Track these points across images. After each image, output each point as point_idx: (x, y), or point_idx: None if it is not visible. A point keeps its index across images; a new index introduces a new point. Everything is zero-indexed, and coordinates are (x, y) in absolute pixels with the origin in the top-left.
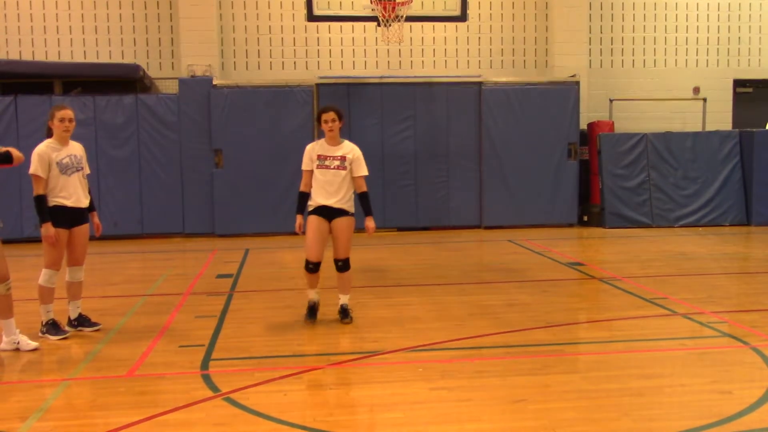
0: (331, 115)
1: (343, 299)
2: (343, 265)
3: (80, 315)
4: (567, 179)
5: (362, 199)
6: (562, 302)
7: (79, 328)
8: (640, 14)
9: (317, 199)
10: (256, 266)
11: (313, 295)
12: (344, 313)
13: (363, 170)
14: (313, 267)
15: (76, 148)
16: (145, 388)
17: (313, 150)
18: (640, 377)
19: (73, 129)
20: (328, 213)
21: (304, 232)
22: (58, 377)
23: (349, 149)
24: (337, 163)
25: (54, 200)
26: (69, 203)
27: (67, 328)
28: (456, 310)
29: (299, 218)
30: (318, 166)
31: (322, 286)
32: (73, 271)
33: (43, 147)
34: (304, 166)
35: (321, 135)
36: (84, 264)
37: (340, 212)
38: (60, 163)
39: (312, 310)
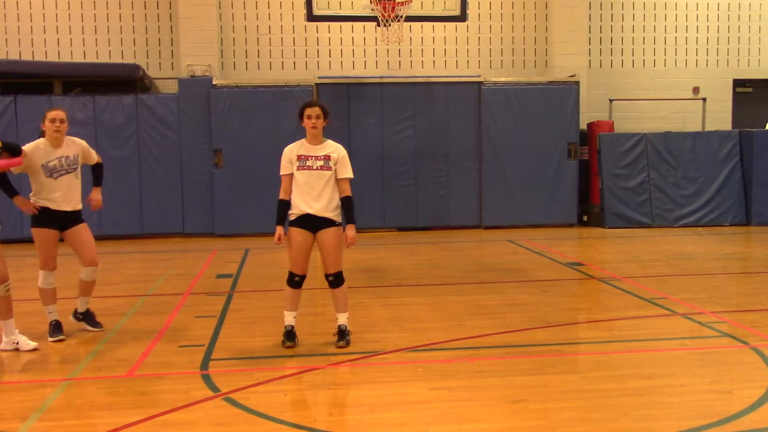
0: (316, 110)
1: (341, 318)
2: (335, 280)
3: (87, 311)
4: (567, 179)
5: (345, 204)
6: (562, 302)
7: (82, 322)
8: (640, 14)
9: (299, 205)
10: (256, 266)
11: (290, 319)
12: (341, 335)
13: (348, 172)
14: (299, 280)
15: (71, 148)
16: (145, 388)
17: (291, 151)
18: (640, 377)
19: (65, 130)
20: (311, 224)
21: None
22: (58, 377)
23: (334, 148)
24: (320, 163)
25: (40, 202)
26: (53, 206)
27: (71, 318)
28: (456, 310)
29: (279, 229)
30: (298, 168)
31: (326, 285)
32: (87, 271)
33: (32, 145)
34: (283, 171)
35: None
36: (98, 264)
37: (326, 222)
38: (46, 165)
39: (290, 335)
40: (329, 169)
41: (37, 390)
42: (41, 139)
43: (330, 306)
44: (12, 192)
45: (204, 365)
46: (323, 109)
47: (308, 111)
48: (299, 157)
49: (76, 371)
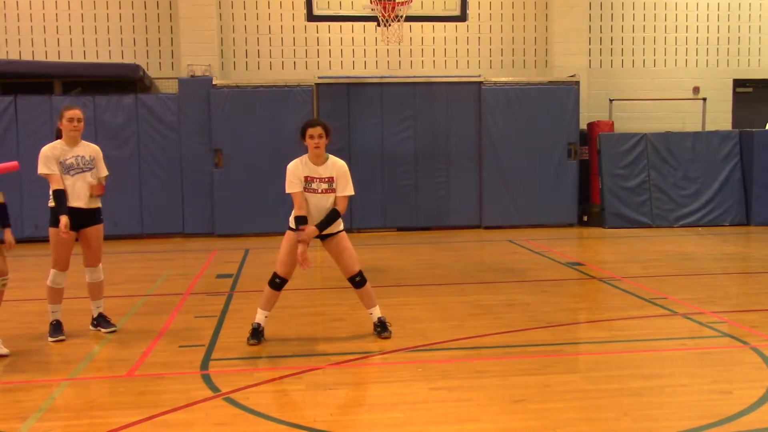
0: (318, 130)
1: (376, 312)
2: (360, 280)
3: (99, 314)
4: (567, 179)
5: (329, 213)
6: (562, 302)
7: (98, 328)
8: (640, 14)
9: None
10: (256, 266)
11: (262, 318)
12: (383, 326)
13: (348, 190)
14: (279, 282)
15: (86, 150)
16: (145, 388)
17: (298, 169)
18: (640, 377)
19: (82, 129)
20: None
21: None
22: (58, 377)
23: (336, 169)
24: (324, 186)
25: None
26: (70, 203)
27: (90, 328)
28: (456, 310)
29: (303, 248)
30: (305, 189)
31: (326, 285)
32: (89, 272)
33: (48, 147)
34: (292, 188)
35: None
36: (100, 264)
37: (329, 233)
38: (63, 163)
39: (256, 333)
40: (333, 191)
41: (37, 390)
42: (58, 140)
43: (330, 306)
44: (60, 212)
45: (204, 365)
46: (325, 128)
47: (310, 131)
48: (306, 179)
49: (76, 371)
